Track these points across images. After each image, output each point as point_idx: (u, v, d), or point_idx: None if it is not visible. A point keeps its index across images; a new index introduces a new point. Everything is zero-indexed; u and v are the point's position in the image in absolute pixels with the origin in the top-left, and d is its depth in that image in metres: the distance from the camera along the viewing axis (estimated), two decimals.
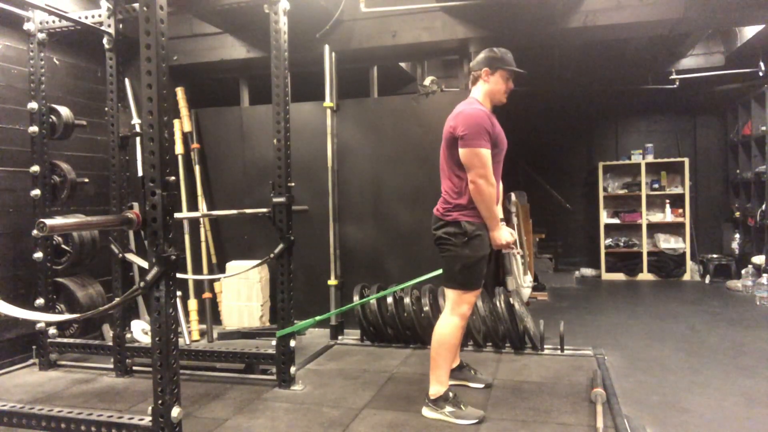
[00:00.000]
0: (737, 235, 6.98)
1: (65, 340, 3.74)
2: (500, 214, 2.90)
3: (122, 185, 3.54)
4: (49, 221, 1.93)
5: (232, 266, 4.69)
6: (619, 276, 7.26)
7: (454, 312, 2.75)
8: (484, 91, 2.81)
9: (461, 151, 2.63)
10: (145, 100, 2.11)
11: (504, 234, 2.78)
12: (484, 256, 2.72)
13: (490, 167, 2.64)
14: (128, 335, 3.78)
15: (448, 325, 2.75)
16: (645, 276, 7.13)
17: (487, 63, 2.78)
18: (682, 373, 3.46)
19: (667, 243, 7.10)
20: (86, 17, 3.52)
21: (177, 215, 2.34)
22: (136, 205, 4.00)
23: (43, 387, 3.37)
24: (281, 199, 3.19)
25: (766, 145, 6.02)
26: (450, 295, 2.77)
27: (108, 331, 4.26)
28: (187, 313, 4.61)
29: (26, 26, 3.61)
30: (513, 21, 4.18)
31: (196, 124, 4.97)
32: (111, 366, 3.57)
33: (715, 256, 7.00)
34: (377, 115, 4.69)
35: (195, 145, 4.87)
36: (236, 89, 5.15)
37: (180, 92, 4.80)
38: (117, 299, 2.79)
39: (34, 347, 3.78)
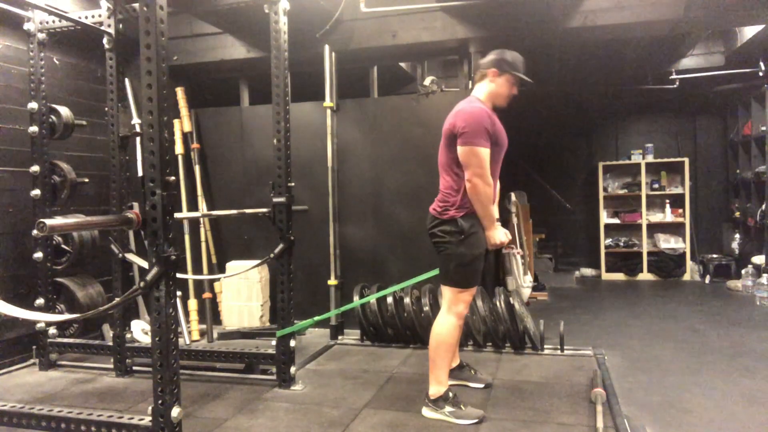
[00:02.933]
0: (737, 235, 6.99)
1: (65, 340, 3.74)
2: (496, 214, 2.89)
3: (122, 185, 3.54)
4: (49, 221, 1.93)
5: (232, 266, 4.69)
6: (619, 276, 7.26)
7: (450, 311, 2.76)
8: (487, 91, 2.80)
9: (460, 149, 2.63)
10: (145, 100, 2.11)
11: (499, 234, 2.77)
12: (480, 254, 2.72)
13: (488, 166, 2.63)
14: (128, 335, 3.78)
15: (445, 325, 2.76)
16: (645, 276, 7.13)
17: (497, 64, 2.77)
18: (683, 373, 3.46)
19: (667, 243, 7.10)
20: (86, 17, 3.52)
21: (177, 215, 2.33)
22: (136, 205, 4.00)
23: (43, 387, 3.37)
24: (281, 199, 3.19)
25: (766, 145, 6.02)
26: (446, 293, 2.78)
27: (108, 331, 4.26)
28: (187, 313, 4.61)
29: (26, 26, 3.61)
30: (513, 21, 4.18)
31: (196, 124, 4.97)
32: (111, 366, 3.57)
33: (715, 256, 7.00)
34: (377, 115, 4.69)
35: (195, 145, 4.88)
36: (236, 89, 5.15)
37: (180, 92, 4.80)
38: (117, 299, 2.79)
39: (34, 347, 3.78)
